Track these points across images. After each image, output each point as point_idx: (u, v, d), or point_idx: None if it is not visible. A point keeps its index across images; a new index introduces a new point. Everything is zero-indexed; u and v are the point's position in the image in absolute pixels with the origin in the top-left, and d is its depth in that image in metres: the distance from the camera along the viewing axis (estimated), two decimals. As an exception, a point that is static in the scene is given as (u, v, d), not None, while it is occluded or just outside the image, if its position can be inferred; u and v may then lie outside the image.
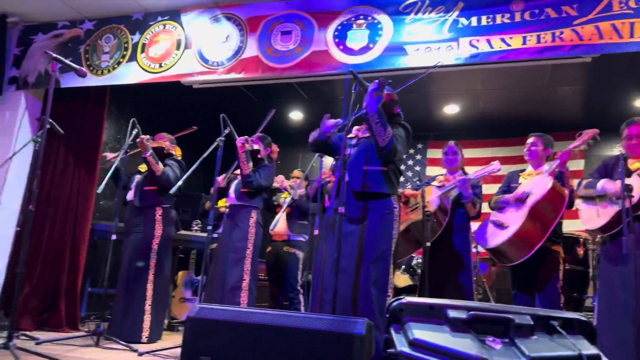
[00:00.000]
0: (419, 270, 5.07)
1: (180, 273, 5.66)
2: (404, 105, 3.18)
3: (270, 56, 4.11)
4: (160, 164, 4.14)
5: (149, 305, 4.01)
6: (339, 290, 2.61)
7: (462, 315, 1.80)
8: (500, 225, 3.45)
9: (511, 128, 6.45)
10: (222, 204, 4.55)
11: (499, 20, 3.54)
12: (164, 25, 4.52)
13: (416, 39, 3.72)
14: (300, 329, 1.86)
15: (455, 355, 1.66)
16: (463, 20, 3.64)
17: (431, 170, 6.66)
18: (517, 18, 3.51)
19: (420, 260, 5.07)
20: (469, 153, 5.80)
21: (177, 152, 4.53)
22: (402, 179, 3.28)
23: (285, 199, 4.64)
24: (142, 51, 4.50)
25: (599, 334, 2.62)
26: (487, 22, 3.57)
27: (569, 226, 4.73)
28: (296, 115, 6.90)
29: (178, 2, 4.47)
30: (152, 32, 4.54)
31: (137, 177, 4.34)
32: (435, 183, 3.83)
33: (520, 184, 3.59)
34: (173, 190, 3.78)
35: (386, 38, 3.80)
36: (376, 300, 2.63)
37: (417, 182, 4.33)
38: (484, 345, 1.73)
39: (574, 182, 3.37)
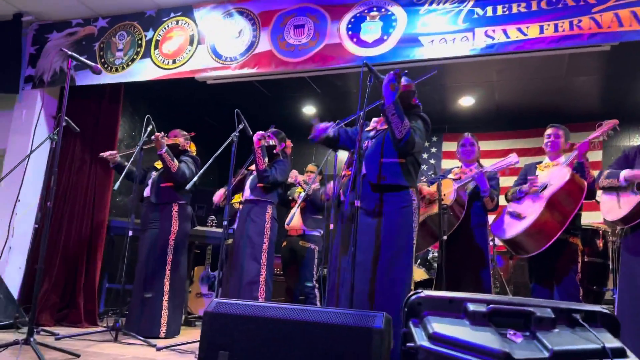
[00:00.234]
0: (435, 264, 5.04)
1: (196, 268, 5.70)
2: (418, 97, 3.15)
3: (284, 50, 4.10)
4: (175, 160, 4.16)
5: (167, 300, 4.04)
6: (356, 284, 2.60)
7: (482, 308, 1.77)
8: (518, 216, 3.40)
9: (527, 120, 6.37)
10: (238, 199, 4.56)
11: (515, 10, 3.49)
12: (177, 22, 4.52)
13: (431, 30, 3.68)
14: (319, 324, 1.85)
15: (476, 349, 1.63)
16: (478, 10, 3.59)
17: (446, 163, 6.60)
18: (534, 7, 3.45)
19: (436, 254, 5.03)
20: (484, 145, 5.73)
21: (191, 148, 4.55)
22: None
23: (299, 193, 4.64)
24: (156, 48, 4.52)
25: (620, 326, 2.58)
26: (503, 11, 3.51)
27: (588, 218, 4.67)
28: (309, 110, 6.88)
29: (191, -2, 4.48)
30: (165, 28, 4.55)
31: (153, 174, 4.37)
32: (451, 176, 3.80)
33: (537, 175, 3.55)
34: (189, 186, 3.79)
35: (400, 30, 3.77)
36: (399, 294, 2.61)
37: (432, 175, 4.30)
38: (504, 338, 1.70)
39: (594, 173, 3.32)
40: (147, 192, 4.35)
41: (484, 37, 3.53)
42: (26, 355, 2.80)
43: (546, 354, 1.65)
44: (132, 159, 4.19)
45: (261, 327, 1.92)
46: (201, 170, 3.90)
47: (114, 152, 4.40)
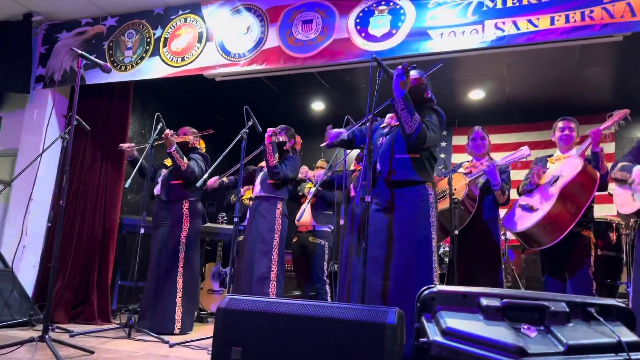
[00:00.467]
0: (446, 259, 5.02)
1: (207, 265, 5.73)
2: (428, 91, 3.12)
3: (292, 46, 4.09)
4: (184, 158, 4.17)
5: (180, 297, 4.06)
6: (369, 279, 2.59)
7: (496, 303, 1.76)
8: (530, 209, 3.37)
9: (538, 112, 6.32)
10: (248, 195, 4.58)
11: (525, 1, 3.44)
12: (185, 19, 4.53)
13: (440, 23, 3.65)
14: (332, 319, 1.85)
15: (490, 343, 1.62)
16: (488, 2, 3.55)
17: (456, 158, 6.57)
18: (545, -2, 3.41)
19: (447, 249, 5.01)
20: (495, 139, 5.69)
21: (201, 145, 4.56)
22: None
23: (309, 189, 4.64)
24: (165, 45, 4.53)
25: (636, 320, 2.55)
26: (513, 3, 3.47)
27: (601, 211, 4.63)
28: (318, 106, 6.87)
29: (198, -5, 4.48)
30: (173, 26, 4.56)
31: (164, 172, 4.38)
32: (461, 170, 3.78)
33: (548, 168, 3.52)
34: (199, 183, 3.80)
35: (409, 23, 3.74)
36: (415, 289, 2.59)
37: (443, 170, 4.28)
38: (519, 333, 1.69)
39: (608, 165, 3.29)
40: (157, 190, 4.37)
41: (494, 29, 3.49)
42: (42, 352, 2.83)
43: (561, 348, 1.64)
44: (143, 156, 4.20)
45: (274, 323, 1.92)
46: (211, 168, 3.91)
47: (132, 144, 4.41)
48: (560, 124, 3.56)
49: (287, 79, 5.50)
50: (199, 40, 4.41)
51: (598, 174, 3.25)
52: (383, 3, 3.86)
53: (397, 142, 2.88)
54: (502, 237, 4.41)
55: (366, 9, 3.91)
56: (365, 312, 1.85)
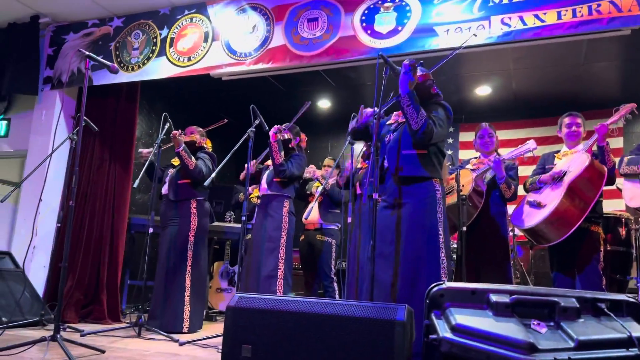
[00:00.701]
0: (454, 255, 5.01)
1: (215, 264, 5.75)
2: (434, 88, 3.12)
3: (298, 44, 4.09)
4: (192, 157, 4.18)
5: (188, 296, 4.08)
6: (378, 277, 2.59)
7: (505, 299, 1.76)
8: (537, 205, 3.36)
9: (546, 108, 6.29)
10: (256, 194, 4.59)
11: (531, -4, 3.43)
12: (191, 19, 4.54)
13: (446, 19, 3.63)
14: (341, 317, 1.86)
15: (500, 340, 1.62)
16: (494, -2, 3.53)
17: (464, 154, 6.55)
18: (551, -8, 3.38)
19: (455, 245, 5.00)
20: (502, 135, 5.66)
21: (208, 144, 4.57)
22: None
23: (317, 187, 4.65)
24: (171, 45, 4.54)
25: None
26: (520, -2, 3.45)
27: (610, 206, 4.60)
28: (324, 104, 6.88)
29: (204, -5, 4.49)
30: (179, 26, 4.57)
31: (171, 171, 4.40)
32: (469, 166, 3.77)
33: (555, 164, 3.50)
34: (206, 183, 3.81)
35: (415, 20, 3.73)
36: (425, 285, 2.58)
37: (450, 166, 4.27)
38: (529, 329, 1.69)
39: (615, 160, 3.27)
40: (165, 189, 4.39)
41: (500, 25, 3.48)
42: (53, 351, 2.86)
43: (571, 344, 1.64)
44: (151, 154, 4.22)
45: (283, 321, 1.93)
46: (218, 167, 3.92)
47: (151, 149, 4.41)
48: (566, 120, 3.54)
49: (293, 77, 5.50)
50: (205, 40, 4.42)
51: (605, 169, 3.23)
52: (389, 0, 3.85)
53: (404, 138, 2.87)
54: (511, 233, 4.39)
55: (372, 6, 3.90)
56: (374, 309, 1.86)
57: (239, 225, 4.94)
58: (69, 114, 5.09)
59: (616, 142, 5.91)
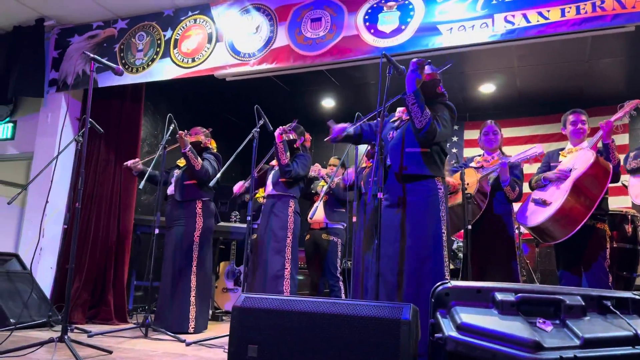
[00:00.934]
0: (460, 254, 5.00)
1: (221, 264, 5.76)
2: (439, 86, 3.11)
3: (301, 44, 4.09)
4: (199, 158, 4.20)
5: (194, 296, 4.10)
6: (382, 276, 2.60)
7: (511, 297, 1.76)
8: (543, 203, 3.36)
9: (550, 105, 6.27)
10: (261, 194, 4.60)
11: (535, -7, 3.42)
12: (195, 20, 4.55)
13: (449, 17, 3.63)
14: (347, 316, 1.86)
15: (506, 338, 1.63)
16: (497, -4, 3.53)
17: (468, 152, 6.54)
18: (555, -11, 3.37)
19: (461, 244, 5.00)
20: (506, 132, 5.65)
21: (212, 145, 4.59)
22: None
23: (322, 187, 4.65)
24: (175, 47, 4.56)
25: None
26: (523, -5, 3.45)
27: (615, 203, 4.58)
28: (328, 103, 6.88)
29: (207, -4, 4.50)
30: (183, 27, 4.58)
31: (176, 172, 4.42)
32: (473, 164, 3.77)
33: (560, 162, 3.49)
34: (212, 183, 3.82)
35: (418, 19, 3.73)
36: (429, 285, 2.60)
37: (455, 165, 4.26)
38: (534, 327, 1.69)
39: (620, 157, 3.26)
40: (170, 190, 4.40)
41: (504, 22, 3.47)
42: (61, 352, 2.88)
43: (577, 342, 1.64)
44: (154, 161, 4.23)
45: (289, 321, 1.94)
46: (223, 167, 3.93)
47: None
48: (571, 117, 3.54)
49: (297, 77, 5.51)
50: (209, 41, 4.43)
51: (611, 165, 3.22)
52: (392, -1, 3.85)
53: (407, 136, 2.87)
54: (516, 231, 4.39)
55: (375, 6, 3.90)
56: (380, 308, 1.86)
57: (245, 225, 4.96)
58: (75, 115, 5.12)
59: (621, 139, 5.87)
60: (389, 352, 1.79)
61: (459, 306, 1.79)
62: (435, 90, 2.98)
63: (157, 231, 3.97)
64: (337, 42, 3.97)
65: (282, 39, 4.17)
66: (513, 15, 3.46)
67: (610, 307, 1.79)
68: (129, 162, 4.39)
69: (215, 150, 4.56)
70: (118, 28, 4.88)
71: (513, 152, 3.71)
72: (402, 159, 2.82)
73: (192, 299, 4.09)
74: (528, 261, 5.31)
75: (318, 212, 4.59)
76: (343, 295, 4.55)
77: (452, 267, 5.07)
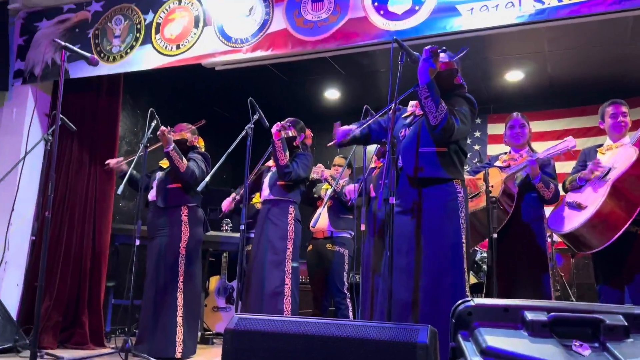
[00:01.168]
0: (484, 266, 5.00)
1: (211, 279, 5.78)
2: (458, 74, 3.11)
3: (301, 28, 4.10)
4: (184, 159, 4.19)
5: (181, 316, 4.09)
6: (395, 292, 2.60)
7: (542, 317, 1.76)
8: (578, 206, 3.35)
9: (586, 95, 6.28)
10: (257, 200, 4.61)
11: (568, -32, 3.42)
12: (180, 1, 4.56)
13: (470, -4, 3.64)
14: (356, 339, 1.86)
15: (537, 364, 1.63)
16: (525, -29, 3.53)
17: (492, 149, 6.54)
18: (591, -36, 3.38)
19: (485, 255, 4.99)
20: (536, 126, 5.67)
21: (200, 143, 4.59)
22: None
23: (326, 190, 4.65)
24: (157, 32, 4.57)
25: None
26: (554, -29, 3.45)
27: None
28: (332, 94, 6.89)
29: (193, -26, 4.51)
30: (166, 9, 4.60)
31: (159, 174, 4.41)
32: (498, 163, 3.76)
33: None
34: (200, 187, 3.83)
35: (434, -2, 3.73)
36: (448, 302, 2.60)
37: (477, 164, 4.26)
38: (570, 351, 1.69)
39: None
40: (152, 195, 4.38)
41: (533, 1, 3.47)
42: (30, 381, 2.88)
43: (619, 368, 1.64)
44: (134, 162, 4.22)
45: (290, 345, 1.94)
46: (213, 169, 3.93)
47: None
48: (609, 109, 3.53)
49: (296, 65, 5.52)
50: (196, 25, 4.44)
51: (657, 164, 3.22)
52: (404, -24, 3.86)
53: (422, 134, 2.88)
54: (549, 240, 4.38)
55: (385, -17, 3.90)
56: (393, 330, 1.86)
57: (238, 235, 4.97)
58: (43, 111, 5.14)
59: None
60: (404, 380, 1.79)
61: (484, 327, 1.79)
62: (452, 81, 2.98)
63: (137, 242, 3.97)
64: (342, 26, 3.97)
65: (279, 22, 4.18)
66: (543, -7, 3.46)
67: (657, 327, 1.79)
68: (112, 162, 4.39)
69: (203, 150, 4.57)
70: (92, 11, 4.89)
71: (544, 149, 3.71)
72: (416, 160, 2.83)
73: (179, 320, 4.09)
74: (562, 274, 5.31)
75: (321, 220, 4.59)
76: (351, 314, 4.56)
77: (475, 280, 5.09)
